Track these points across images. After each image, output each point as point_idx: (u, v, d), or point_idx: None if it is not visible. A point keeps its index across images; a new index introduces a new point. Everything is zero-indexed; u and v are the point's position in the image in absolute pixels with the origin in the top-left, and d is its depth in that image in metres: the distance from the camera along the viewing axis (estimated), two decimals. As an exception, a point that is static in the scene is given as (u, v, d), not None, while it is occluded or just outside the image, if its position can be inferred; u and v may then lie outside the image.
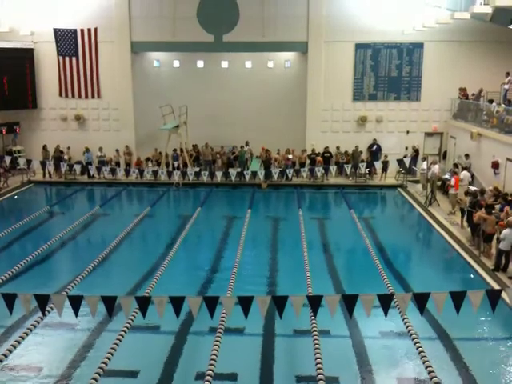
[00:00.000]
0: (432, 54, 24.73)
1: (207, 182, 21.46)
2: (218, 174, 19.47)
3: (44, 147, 25.27)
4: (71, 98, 25.97)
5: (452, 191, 18.75)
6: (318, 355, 9.04)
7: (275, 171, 19.82)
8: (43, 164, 19.37)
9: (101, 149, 25.23)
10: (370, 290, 9.22)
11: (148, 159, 25.27)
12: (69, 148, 25.41)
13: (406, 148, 24.84)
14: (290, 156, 24.76)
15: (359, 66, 25.17)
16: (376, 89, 25.29)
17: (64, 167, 20.01)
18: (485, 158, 20.03)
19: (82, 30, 25.05)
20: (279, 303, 7.90)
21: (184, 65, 26.26)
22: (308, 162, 24.68)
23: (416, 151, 24.18)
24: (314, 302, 7.96)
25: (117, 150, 25.38)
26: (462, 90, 23.93)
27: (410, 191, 22.67)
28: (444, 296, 7.87)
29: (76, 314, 7.86)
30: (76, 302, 7.83)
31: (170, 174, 19.91)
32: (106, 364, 8.83)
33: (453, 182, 18.95)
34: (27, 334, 9.90)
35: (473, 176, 20.51)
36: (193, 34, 24.69)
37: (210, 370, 8.56)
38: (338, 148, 25.05)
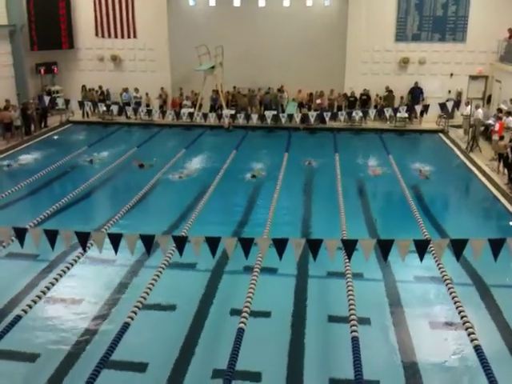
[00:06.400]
0: (481, -9, 23.36)
1: (243, 124, 21.32)
2: (254, 117, 19.25)
3: (83, 87, 25.49)
4: (107, 38, 25.84)
5: (495, 137, 18.10)
6: (350, 297, 9.13)
7: (312, 114, 19.48)
8: (81, 104, 19.59)
9: (137, 90, 25.28)
10: (405, 235, 9.14)
11: (187, 98, 25.01)
12: (95, 88, 25.49)
13: (449, 91, 23.92)
14: (319, 101, 24.17)
15: (403, 5, 24.02)
16: (420, 29, 24.20)
17: (102, 108, 20.26)
18: (532, 102, 19.17)
19: (117, -33, 24.61)
20: (313, 246, 7.92)
21: (220, 3, 25.53)
22: (346, 105, 24.14)
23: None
24: (349, 246, 7.95)
25: (146, 94, 25.30)
26: (511, 31, 22.64)
27: (451, 136, 22.03)
28: (482, 243, 7.72)
29: (116, 251, 8.08)
30: (115, 240, 8.04)
31: (205, 116, 19.79)
32: (145, 298, 9.15)
33: (497, 127, 18.28)
34: (69, 268, 10.31)
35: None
36: (230, -30, 23.93)
37: (247, 306, 8.76)
38: (365, 90, 24.32)
